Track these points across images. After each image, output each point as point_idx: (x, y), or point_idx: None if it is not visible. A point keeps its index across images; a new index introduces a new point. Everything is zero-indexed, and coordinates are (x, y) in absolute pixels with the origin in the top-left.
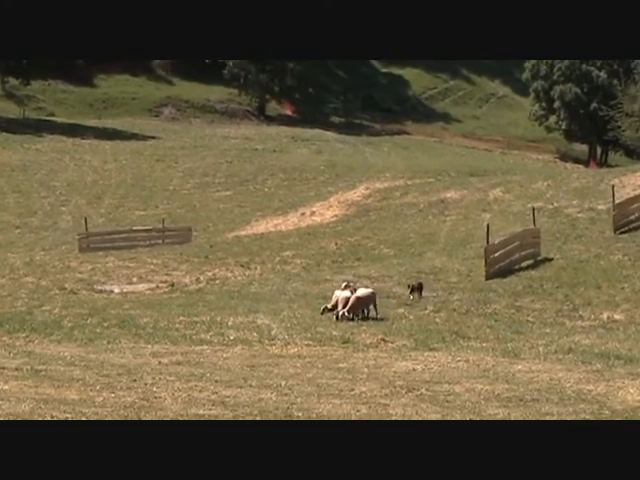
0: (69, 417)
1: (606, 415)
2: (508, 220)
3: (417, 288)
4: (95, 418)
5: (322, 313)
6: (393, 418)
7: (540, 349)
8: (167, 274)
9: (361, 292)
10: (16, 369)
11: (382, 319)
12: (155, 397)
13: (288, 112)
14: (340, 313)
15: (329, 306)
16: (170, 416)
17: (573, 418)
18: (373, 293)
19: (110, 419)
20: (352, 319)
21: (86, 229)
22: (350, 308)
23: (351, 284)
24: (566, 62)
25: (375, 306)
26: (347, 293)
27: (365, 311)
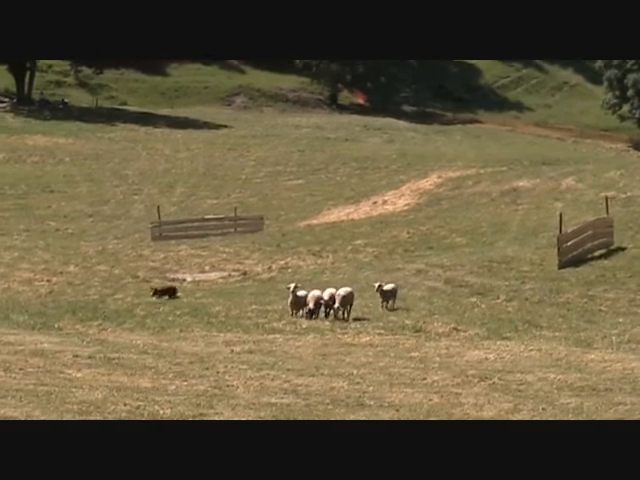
0: (141, 405)
1: None
2: (581, 209)
3: (164, 292)
4: (168, 407)
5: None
6: (465, 407)
7: (613, 338)
8: (239, 263)
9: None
10: (89, 357)
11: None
12: (227, 385)
13: (360, 101)
14: (336, 308)
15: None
16: (242, 404)
17: None
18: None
19: (182, 408)
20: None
21: (158, 218)
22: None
23: (299, 285)
24: None
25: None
26: (317, 292)
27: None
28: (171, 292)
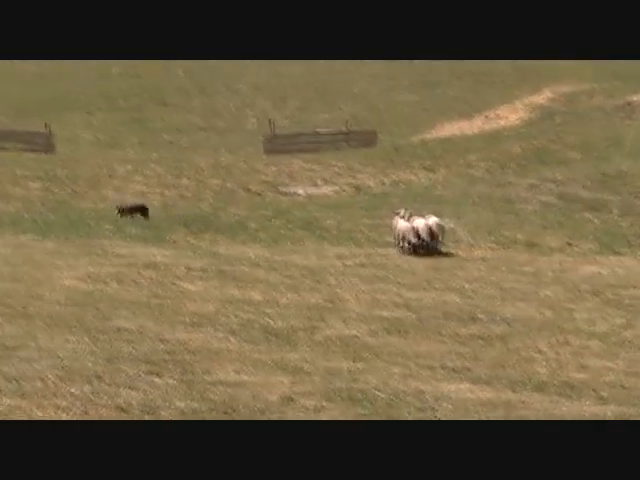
0: (253, 317)
1: None
2: None
3: (133, 210)
4: (279, 320)
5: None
6: (578, 322)
7: None
8: (351, 176)
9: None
10: (201, 269)
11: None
12: (339, 298)
13: None
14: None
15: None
16: (354, 317)
17: None
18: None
19: (294, 320)
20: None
21: (271, 131)
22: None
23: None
24: None
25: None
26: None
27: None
28: (141, 210)
